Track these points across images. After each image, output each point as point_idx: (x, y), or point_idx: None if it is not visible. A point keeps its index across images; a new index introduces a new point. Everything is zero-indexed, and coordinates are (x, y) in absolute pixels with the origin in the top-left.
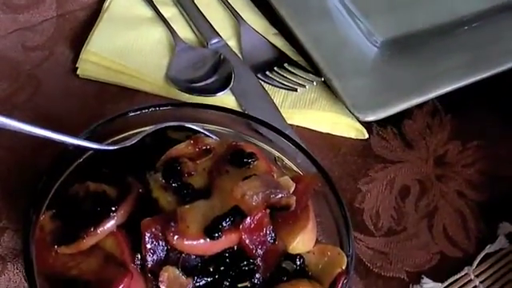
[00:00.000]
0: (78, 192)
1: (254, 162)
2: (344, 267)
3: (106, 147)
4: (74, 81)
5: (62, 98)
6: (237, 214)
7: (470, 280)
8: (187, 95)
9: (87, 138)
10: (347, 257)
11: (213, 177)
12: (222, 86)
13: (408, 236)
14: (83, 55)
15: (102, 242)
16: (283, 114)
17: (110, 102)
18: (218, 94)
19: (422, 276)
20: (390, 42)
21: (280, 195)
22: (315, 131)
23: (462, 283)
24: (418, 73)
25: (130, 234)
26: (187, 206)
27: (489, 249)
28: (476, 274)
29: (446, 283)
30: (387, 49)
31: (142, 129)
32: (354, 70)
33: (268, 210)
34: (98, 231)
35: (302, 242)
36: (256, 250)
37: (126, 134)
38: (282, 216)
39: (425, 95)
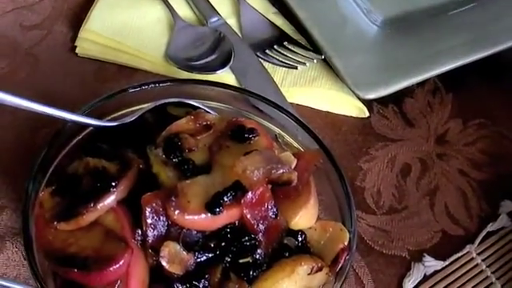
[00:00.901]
0: (77, 168)
1: (254, 137)
2: (346, 243)
3: (106, 123)
4: (73, 60)
5: (61, 77)
6: (238, 189)
7: (472, 258)
8: (187, 73)
9: (87, 115)
10: (349, 233)
11: (213, 152)
12: (221, 64)
13: (409, 214)
14: (82, 34)
15: (102, 217)
16: (283, 93)
17: (109, 81)
18: (218, 72)
19: (424, 254)
20: (389, 21)
21: (281, 170)
22: (316, 110)
23: (464, 261)
24: (418, 51)
25: (131, 209)
26: (188, 181)
27: (490, 227)
28: (478, 252)
29: (448, 261)
30: (387, 27)
31: (142, 106)
32: (354, 48)
33: (269, 186)
34: (98, 207)
35: (304, 218)
36: (258, 225)
37: (126, 110)
38: (283, 192)
39: (425, 73)
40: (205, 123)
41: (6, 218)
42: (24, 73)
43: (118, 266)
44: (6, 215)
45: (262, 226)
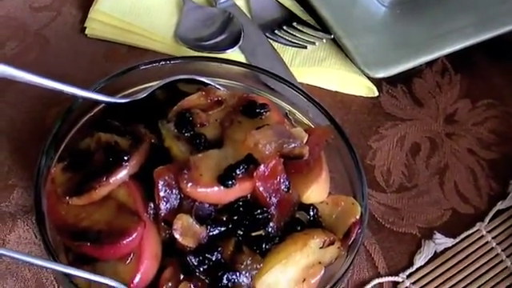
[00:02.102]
0: (89, 144)
1: (266, 112)
2: (358, 217)
3: (117, 100)
4: (83, 41)
5: (71, 58)
6: (250, 162)
7: (482, 236)
8: (196, 53)
9: (98, 91)
10: (361, 207)
11: (225, 127)
12: (230, 44)
13: (419, 192)
14: (91, 14)
15: (115, 192)
16: (293, 73)
17: (118, 62)
18: (228, 51)
19: (434, 232)
20: (397, 2)
21: (293, 145)
22: (325, 89)
23: (474, 239)
24: (426, 31)
25: (143, 184)
26: (200, 155)
27: (500, 205)
28: (488, 230)
29: (458, 239)
30: (396, 8)
31: (153, 83)
32: (363, 28)
33: (281, 160)
34: (111, 181)
35: (316, 192)
36: (270, 199)
37: (137, 88)
38: (295, 167)
39: (434, 53)
40: (216, 99)
41: (17, 196)
42: (34, 54)
43: (130, 239)
44: (16, 194)
45: (274, 199)
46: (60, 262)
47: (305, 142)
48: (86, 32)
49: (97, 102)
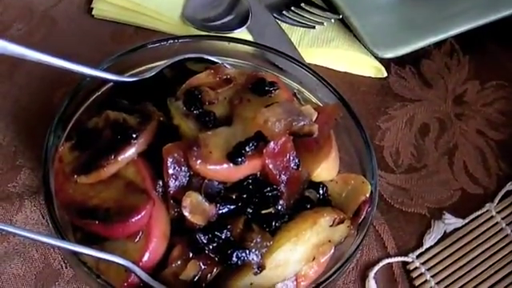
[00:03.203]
0: (97, 122)
1: (275, 90)
2: (368, 195)
3: (125, 79)
4: (90, 21)
5: (78, 39)
6: (260, 140)
7: (492, 216)
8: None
9: (106, 70)
10: (371, 185)
11: (234, 105)
12: (238, 25)
13: (428, 173)
14: None
15: (123, 170)
16: (301, 53)
17: (125, 43)
18: (236, 31)
19: (444, 212)
20: None
21: (302, 122)
22: (333, 70)
23: (484, 219)
24: (435, 11)
25: (151, 162)
26: (209, 132)
27: (510, 186)
28: (497, 210)
29: (468, 219)
30: None
31: (161, 62)
32: (372, 8)
33: (291, 137)
34: (119, 159)
35: (326, 170)
36: (280, 176)
37: (145, 67)
38: (304, 145)
39: (442, 33)
40: (225, 77)
41: (24, 177)
42: (40, 34)
43: (139, 217)
44: (23, 174)
45: (283, 177)
46: (68, 240)
47: (314, 119)
48: (93, 12)
49: (105, 81)
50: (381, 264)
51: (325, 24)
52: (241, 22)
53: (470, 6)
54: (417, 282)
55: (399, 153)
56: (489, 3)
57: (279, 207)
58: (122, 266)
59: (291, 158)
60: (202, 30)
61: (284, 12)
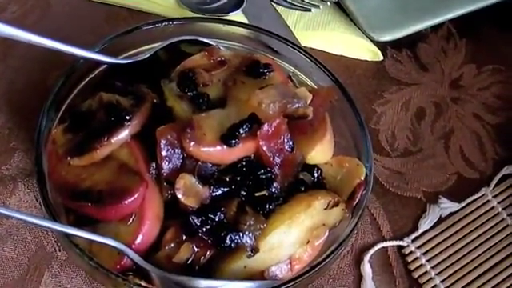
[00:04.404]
0: (90, 105)
1: (269, 72)
2: (363, 178)
3: (120, 61)
4: (84, 3)
5: (72, 21)
6: (254, 122)
7: (488, 201)
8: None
9: (100, 52)
10: (366, 168)
11: (228, 87)
12: (234, 7)
13: (424, 157)
14: None
15: (116, 152)
16: (297, 36)
17: (120, 25)
18: (231, 14)
19: (440, 196)
20: None
21: (297, 105)
22: (329, 53)
23: (480, 204)
24: None
25: (145, 144)
26: (203, 114)
27: (506, 170)
28: (493, 194)
29: (464, 203)
30: None
31: (156, 44)
32: None
33: (285, 119)
34: (112, 141)
35: (320, 152)
36: (273, 158)
37: (140, 49)
38: (299, 128)
39: (439, 17)
40: (219, 59)
41: (18, 159)
42: (35, 17)
43: (132, 199)
44: (17, 157)
45: (277, 159)
46: (61, 222)
47: (309, 102)
48: None
49: (99, 63)
50: (376, 248)
51: (321, 7)
52: (236, 5)
53: None
54: (412, 266)
55: (395, 136)
56: None
57: (273, 190)
58: (115, 248)
59: (285, 140)
60: (197, 13)
61: None
